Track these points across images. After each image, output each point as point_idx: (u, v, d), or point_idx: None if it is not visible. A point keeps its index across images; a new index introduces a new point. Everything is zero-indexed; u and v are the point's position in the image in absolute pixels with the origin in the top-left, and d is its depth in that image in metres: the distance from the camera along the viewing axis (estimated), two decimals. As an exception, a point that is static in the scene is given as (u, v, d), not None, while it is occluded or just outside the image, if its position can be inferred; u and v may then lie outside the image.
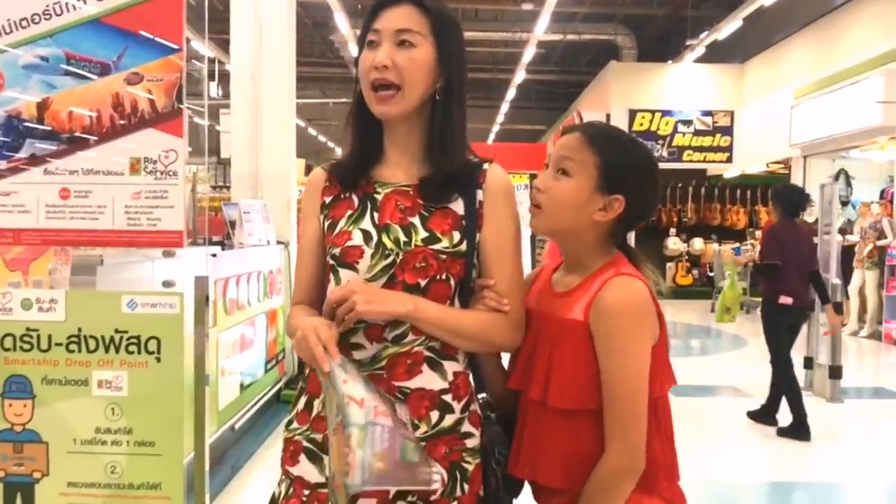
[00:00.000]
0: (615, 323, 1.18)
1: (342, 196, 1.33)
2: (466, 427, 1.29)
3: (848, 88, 9.52)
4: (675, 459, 1.27)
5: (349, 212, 1.31)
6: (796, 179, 11.53)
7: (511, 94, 16.80)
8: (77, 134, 1.89)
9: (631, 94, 13.22)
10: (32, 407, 1.88)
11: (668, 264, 12.89)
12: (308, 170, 8.93)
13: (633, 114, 13.01)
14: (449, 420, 1.27)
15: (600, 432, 1.20)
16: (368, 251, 1.26)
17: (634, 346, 1.19)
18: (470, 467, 1.28)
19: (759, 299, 11.77)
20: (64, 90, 1.89)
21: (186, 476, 1.90)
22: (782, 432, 4.47)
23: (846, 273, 8.09)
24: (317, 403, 1.30)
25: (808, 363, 5.72)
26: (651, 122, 13.19)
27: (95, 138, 1.89)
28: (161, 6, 1.86)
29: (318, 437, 1.29)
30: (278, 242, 5.08)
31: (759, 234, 11.79)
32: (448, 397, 1.27)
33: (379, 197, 1.31)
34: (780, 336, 4.51)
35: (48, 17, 1.87)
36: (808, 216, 9.78)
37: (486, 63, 17.67)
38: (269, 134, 5.93)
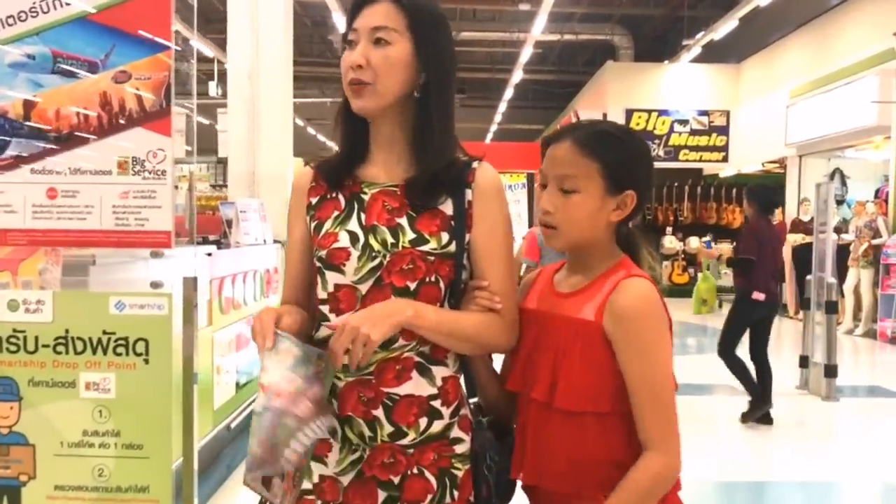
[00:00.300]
0: (637, 327, 1.16)
1: (328, 196, 1.31)
2: (456, 433, 1.27)
3: (843, 88, 9.54)
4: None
5: (336, 212, 1.29)
6: (792, 179, 11.56)
7: (509, 93, 16.79)
8: (64, 133, 1.87)
9: (628, 93, 13.23)
10: (19, 409, 1.86)
11: (665, 263, 12.90)
12: (306, 169, 8.90)
13: (629, 113, 13.02)
14: (438, 426, 1.25)
15: (604, 435, 1.18)
16: (355, 253, 1.24)
17: (661, 348, 1.18)
18: (460, 473, 1.26)
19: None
20: (51, 89, 1.87)
21: (175, 479, 1.88)
22: (746, 418, 4.63)
23: (841, 272, 8.10)
24: None
25: (804, 362, 5.72)
26: (647, 121, 13.21)
27: (83, 137, 1.86)
28: (149, 4, 1.84)
29: None
30: (275, 241, 5.07)
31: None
32: (437, 403, 1.25)
33: (366, 197, 1.28)
34: (742, 329, 4.64)
35: (35, 14, 1.85)
36: (804, 215, 9.84)
37: (483, 63, 17.67)
38: (266, 133, 5.92)
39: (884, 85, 8.62)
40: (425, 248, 1.23)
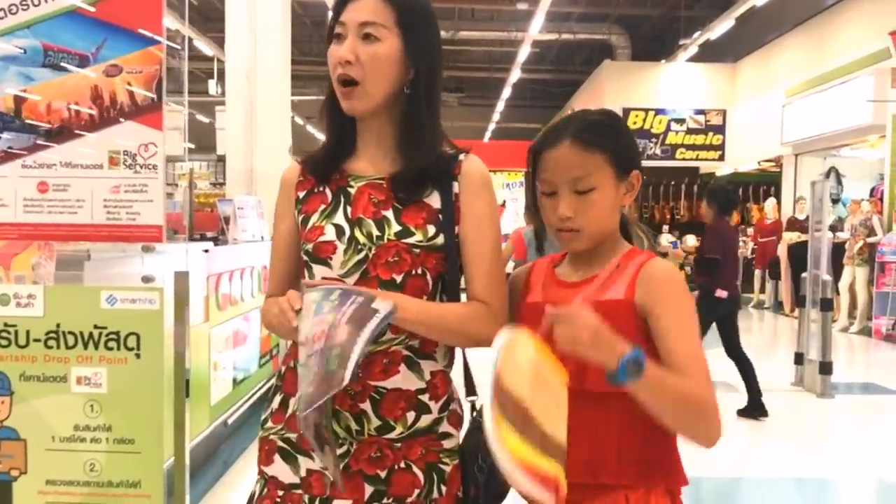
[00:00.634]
0: (674, 288, 1.17)
1: (315, 190, 1.31)
2: (444, 427, 1.26)
3: (838, 87, 9.56)
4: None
5: (322, 206, 1.28)
6: (788, 178, 11.59)
7: (507, 92, 16.80)
8: (55, 127, 1.86)
9: (625, 92, 13.25)
10: (10, 404, 1.86)
11: (661, 261, 12.93)
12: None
13: (626, 112, 13.02)
14: (425, 420, 1.24)
15: (630, 417, 1.15)
16: (341, 246, 1.24)
17: (693, 310, 1.18)
18: (447, 468, 1.25)
19: (750, 296, 11.85)
20: (42, 82, 1.86)
21: (167, 475, 1.87)
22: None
23: (836, 270, 8.12)
24: (292, 402, 1.27)
25: (799, 359, 5.73)
26: (644, 120, 13.23)
27: (74, 131, 1.86)
28: (140, -3, 1.83)
29: (293, 436, 1.27)
30: (272, 238, 5.07)
31: (750, 231, 11.88)
32: (425, 397, 1.24)
33: (352, 191, 1.28)
34: (706, 327, 4.67)
35: (26, 7, 1.84)
36: (800, 214, 9.87)
37: (482, 62, 17.68)
38: (264, 131, 5.92)
39: (879, 84, 8.64)
40: (411, 240, 1.23)
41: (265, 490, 1.28)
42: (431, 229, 1.24)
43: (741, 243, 11.99)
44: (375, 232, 1.23)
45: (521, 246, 3.83)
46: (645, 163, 13.01)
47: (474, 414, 1.31)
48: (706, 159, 13.43)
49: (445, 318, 1.23)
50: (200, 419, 3.41)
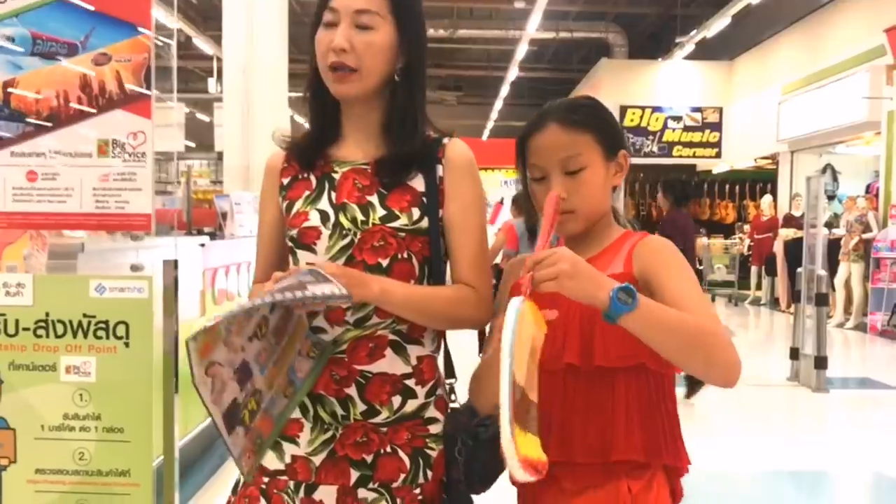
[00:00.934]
0: (670, 252, 1.18)
1: (300, 177, 1.31)
2: (431, 412, 1.26)
3: (834, 85, 9.58)
4: None
5: (307, 192, 1.28)
6: (784, 174, 11.60)
7: (505, 91, 16.82)
8: (44, 115, 1.86)
9: (622, 90, 13.27)
10: (0, 393, 1.85)
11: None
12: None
13: (623, 110, 13.05)
14: (412, 405, 1.24)
15: (636, 394, 1.16)
16: (326, 232, 1.23)
17: (693, 275, 1.18)
18: (433, 453, 1.25)
19: (747, 292, 11.87)
20: (31, 70, 1.85)
21: (157, 467, 1.87)
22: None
23: (832, 266, 8.14)
24: None
25: (794, 354, 5.74)
26: (641, 117, 13.25)
27: (63, 119, 1.85)
28: (129, -15, 1.83)
29: None
30: (258, 226, 5.07)
31: (747, 228, 11.90)
32: (411, 382, 1.24)
33: (336, 176, 1.28)
34: None
35: (14, -4, 1.84)
36: (796, 210, 9.88)
37: (480, 60, 17.69)
38: (261, 127, 5.92)
39: (874, 81, 8.65)
40: (395, 224, 1.23)
41: (250, 477, 1.28)
42: (416, 213, 1.24)
43: (737, 240, 12.04)
44: (360, 217, 1.23)
45: (512, 237, 3.85)
46: (642, 160, 13.10)
47: (453, 397, 1.30)
48: (703, 156, 13.45)
49: (431, 302, 1.23)
50: (197, 412, 3.40)
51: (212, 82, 13.75)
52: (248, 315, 1.06)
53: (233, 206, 4.57)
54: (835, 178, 10.43)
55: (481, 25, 15.01)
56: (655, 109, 13.30)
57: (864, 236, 8.44)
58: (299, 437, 1.24)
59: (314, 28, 1.26)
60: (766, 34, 12.03)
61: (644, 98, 13.32)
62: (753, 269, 11.04)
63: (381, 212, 1.23)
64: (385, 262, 1.22)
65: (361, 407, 1.22)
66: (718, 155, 13.31)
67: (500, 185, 12.37)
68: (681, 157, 13.34)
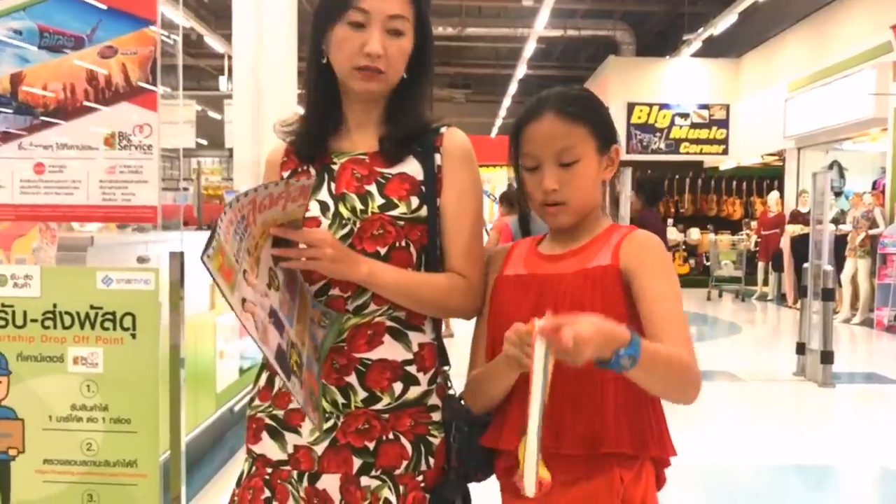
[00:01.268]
0: (656, 252, 1.18)
1: (300, 170, 1.31)
2: (434, 400, 1.26)
3: (841, 81, 9.55)
4: None
5: None
6: (790, 171, 11.57)
7: (513, 88, 16.82)
8: (51, 108, 1.87)
9: (629, 88, 13.27)
10: (8, 384, 1.87)
11: (666, 255, 12.93)
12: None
13: (631, 107, 13.04)
14: (414, 392, 1.24)
15: (623, 387, 1.15)
16: (326, 222, 1.24)
17: (675, 273, 1.19)
18: (436, 441, 1.25)
19: (754, 288, 11.84)
20: (38, 63, 1.87)
21: (164, 460, 1.88)
22: None
23: (839, 262, 8.13)
24: (277, 380, 1.28)
25: (801, 349, 5.73)
26: (649, 115, 13.24)
27: (70, 112, 1.87)
28: (135, -21, 1.84)
29: (280, 413, 1.27)
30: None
31: (754, 224, 11.86)
32: (412, 368, 1.24)
33: (335, 167, 1.29)
34: None
35: (21, -10, 1.85)
36: (802, 207, 9.84)
37: (488, 58, 17.68)
38: (271, 124, 5.91)
39: (881, 77, 8.63)
40: (394, 212, 1.23)
41: (253, 468, 1.29)
42: (415, 201, 1.25)
43: (744, 236, 12.00)
44: (359, 206, 1.24)
45: (507, 234, 3.84)
46: (649, 157, 13.09)
47: (449, 384, 1.31)
48: (710, 153, 13.42)
49: (421, 288, 1.23)
50: (206, 406, 3.42)
51: (223, 80, 13.81)
52: (235, 212, 1.03)
53: (242, 202, 4.58)
54: (841, 175, 10.39)
55: (489, 23, 15.01)
56: (663, 106, 13.28)
57: (871, 232, 8.41)
58: (301, 426, 1.25)
59: (322, 19, 1.26)
60: (773, 31, 11.99)
61: (651, 95, 13.29)
62: (760, 264, 11.00)
63: (379, 200, 1.24)
64: (383, 251, 1.23)
65: (362, 394, 1.23)
66: (725, 151, 13.28)
67: (508, 181, 12.39)
68: (688, 153, 13.32)
